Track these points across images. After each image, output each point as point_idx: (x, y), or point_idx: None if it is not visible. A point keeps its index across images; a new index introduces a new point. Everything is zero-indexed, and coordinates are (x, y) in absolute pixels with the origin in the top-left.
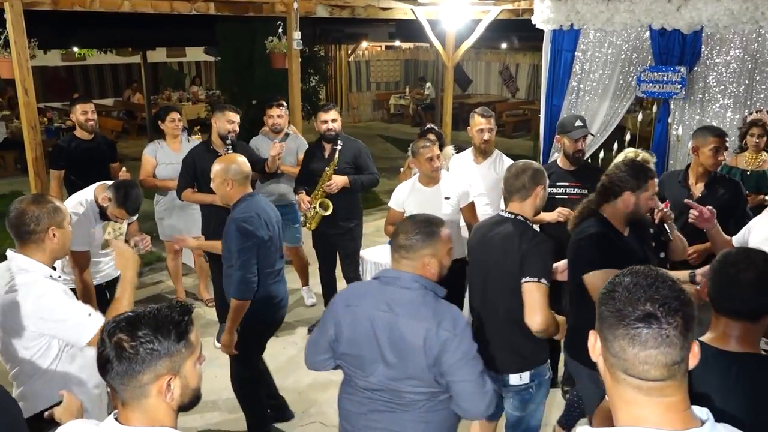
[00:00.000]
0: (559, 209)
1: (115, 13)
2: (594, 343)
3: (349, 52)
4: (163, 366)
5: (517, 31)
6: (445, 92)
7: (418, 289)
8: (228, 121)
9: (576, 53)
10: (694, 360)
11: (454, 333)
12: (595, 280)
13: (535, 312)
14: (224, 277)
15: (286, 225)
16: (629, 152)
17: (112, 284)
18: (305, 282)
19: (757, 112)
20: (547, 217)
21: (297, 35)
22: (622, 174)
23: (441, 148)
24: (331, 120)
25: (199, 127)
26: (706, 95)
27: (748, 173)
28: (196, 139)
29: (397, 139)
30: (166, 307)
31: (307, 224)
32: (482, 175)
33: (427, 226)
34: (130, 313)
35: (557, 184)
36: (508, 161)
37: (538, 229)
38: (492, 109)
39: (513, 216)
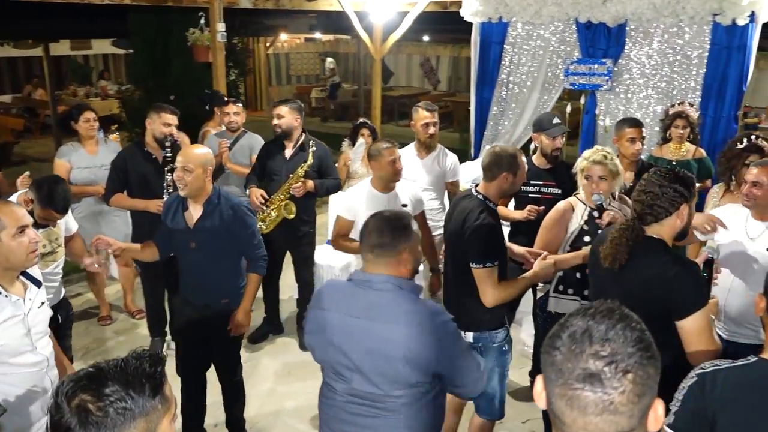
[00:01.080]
0: (529, 207)
1: (12, 2)
2: (540, 392)
3: (268, 44)
4: (137, 428)
5: (439, 23)
6: (373, 85)
7: (393, 290)
8: (164, 123)
9: (505, 46)
10: (655, 426)
11: (444, 332)
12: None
13: (486, 294)
14: (218, 272)
15: None
16: (592, 152)
17: (63, 306)
18: None
19: (679, 104)
20: (515, 214)
21: (221, 27)
22: (672, 187)
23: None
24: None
25: (116, 125)
26: (631, 87)
27: (674, 163)
28: (114, 140)
29: (321, 134)
30: (133, 358)
31: (264, 226)
32: (427, 170)
33: (399, 220)
34: (90, 369)
35: (531, 182)
36: (451, 155)
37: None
38: (415, 102)
39: (477, 194)
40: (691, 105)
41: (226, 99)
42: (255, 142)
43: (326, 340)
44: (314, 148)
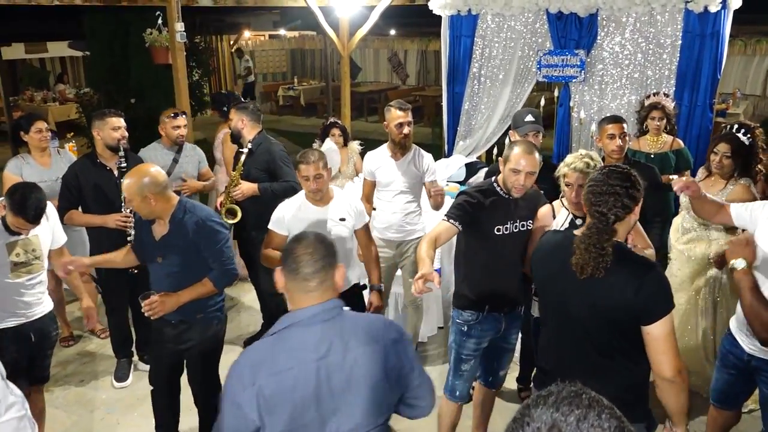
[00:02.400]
0: None
1: None
2: None
3: (232, 42)
4: None
5: (405, 17)
6: (342, 82)
7: (344, 312)
8: (113, 128)
9: (475, 39)
10: None
11: (401, 335)
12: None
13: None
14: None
15: None
16: (575, 158)
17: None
18: None
19: (654, 95)
20: None
21: (180, 27)
22: (628, 185)
23: (345, 143)
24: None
25: (72, 133)
26: (605, 77)
27: (652, 156)
28: (70, 150)
29: (291, 132)
30: None
31: None
32: (403, 172)
33: (324, 241)
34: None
35: None
36: (427, 156)
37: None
38: (384, 98)
39: (494, 178)
40: (667, 95)
41: (175, 112)
42: (200, 154)
43: (288, 407)
44: (245, 150)
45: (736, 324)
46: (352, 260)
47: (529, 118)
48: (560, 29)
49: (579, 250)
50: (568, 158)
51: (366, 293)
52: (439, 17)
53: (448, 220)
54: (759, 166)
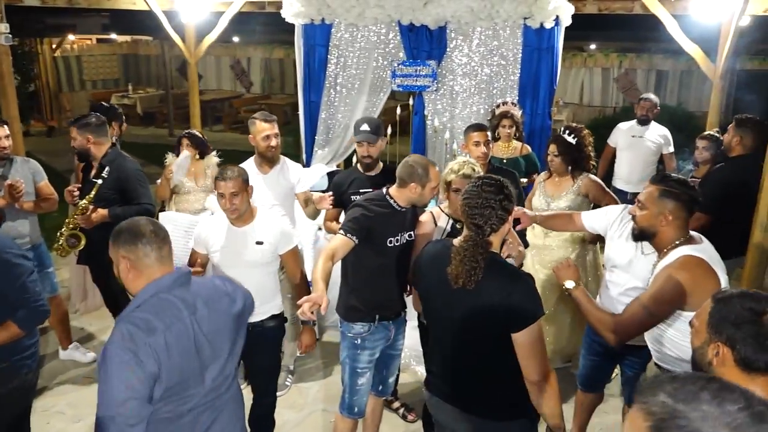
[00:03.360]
0: None
1: None
2: None
3: (54, 46)
4: None
5: (249, 24)
6: (190, 90)
7: (192, 277)
8: None
9: (330, 48)
10: None
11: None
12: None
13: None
14: None
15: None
16: (460, 164)
17: None
18: (69, 340)
19: (503, 104)
20: (334, 226)
21: (4, 28)
22: (502, 195)
23: (203, 155)
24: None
25: None
26: (455, 87)
27: (504, 161)
28: None
29: (131, 144)
30: None
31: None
32: (271, 186)
33: (155, 222)
34: None
35: (360, 191)
36: (294, 166)
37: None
38: (228, 106)
39: (386, 188)
40: (515, 104)
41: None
42: (35, 168)
43: (181, 356)
44: (106, 175)
45: None
46: (267, 290)
47: (364, 127)
48: (412, 40)
49: (455, 261)
50: (454, 165)
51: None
52: (288, 25)
53: (345, 235)
54: (591, 162)
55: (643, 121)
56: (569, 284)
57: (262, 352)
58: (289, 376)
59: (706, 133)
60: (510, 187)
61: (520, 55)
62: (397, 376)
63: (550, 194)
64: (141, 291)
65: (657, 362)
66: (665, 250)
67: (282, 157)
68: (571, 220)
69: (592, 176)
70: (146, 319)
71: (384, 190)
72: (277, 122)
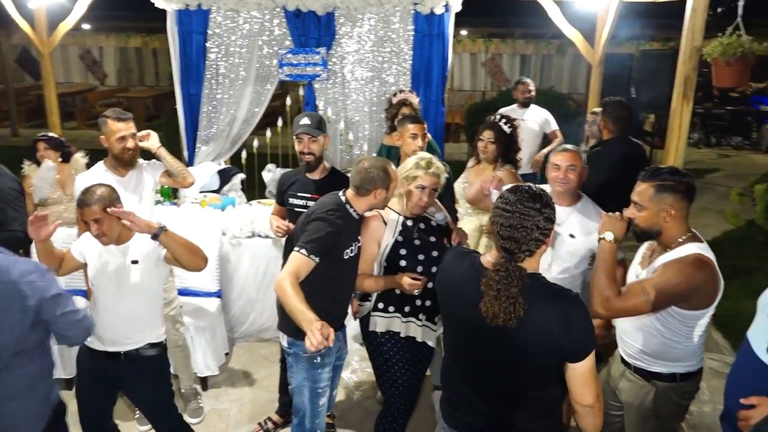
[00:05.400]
0: (278, 224)
1: None
2: None
3: None
4: None
5: (101, 9)
6: (45, 85)
7: None
8: None
9: (209, 36)
10: None
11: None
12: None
13: (282, 271)
14: None
15: None
16: (420, 159)
17: None
18: None
19: (401, 92)
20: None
21: None
22: (543, 214)
23: (66, 158)
24: None
25: None
26: (347, 75)
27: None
28: None
29: None
30: None
31: None
32: (131, 189)
33: None
34: None
35: (298, 194)
36: (156, 165)
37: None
38: (82, 101)
39: (342, 194)
40: (412, 92)
41: None
42: None
43: None
44: None
45: None
46: (143, 318)
47: (304, 121)
48: (299, 27)
49: (488, 296)
50: (422, 161)
51: None
52: (146, 11)
53: (308, 256)
54: (518, 155)
55: (525, 104)
56: (608, 236)
57: (142, 384)
58: (199, 398)
59: (595, 108)
60: (547, 195)
61: (412, 41)
62: None
63: (471, 182)
64: None
65: (622, 354)
66: (672, 246)
67: (141, 159)
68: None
69: (512, 168)
70: None
71: (342, 198)
72: (140, 118)
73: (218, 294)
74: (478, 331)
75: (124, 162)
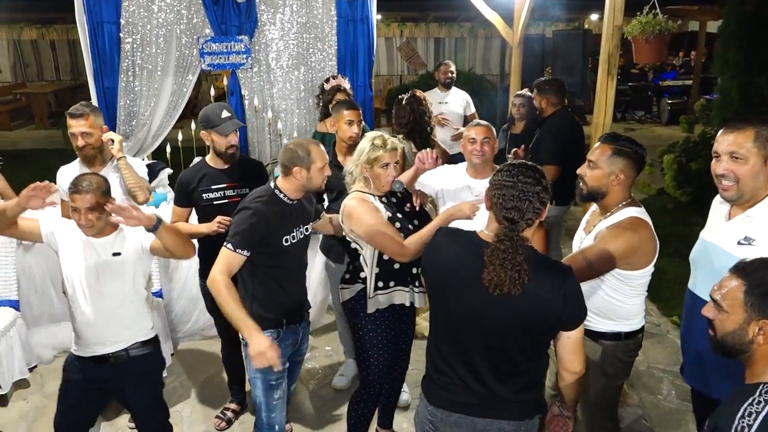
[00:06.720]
0: (219, 218)
1: None
2: None
3: None
4: None
5: None
6: None
7: None
8: None
9: (122, 25)
10: None
11: None
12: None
13: (213, 269)
14: None
15: None
16: (378, 137)
17: None
18: None
19: (333, 78)
20: (202, 228)
21: None
22: (542, 184)
23: None
24: None
25: None
26: (271, 63)
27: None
28: None
29: None
30: None
31: None
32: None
33: None
34: None
35: (212, 187)
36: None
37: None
38: None
39: (273, 183)
40: (344, 77)
41: None
42: None
43: None
44: None
45: None
46: (126, 315)
47: (225, 113)
48: (218, 15)
49: (492, 265)
50: (377, 140)
51: None
52: (49, 0)
53: (234, 250)
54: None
55: (447, 85)
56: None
57: (135, 390)
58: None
59: (520, 91)
60: (546, 177)
61: (335, 27)
62: None
63: None
64: None
65: None
66: (612, 210)
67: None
68: None
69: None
70: None
71: (271, 183)
72: (42, 114)
73: (159, 294)
74: (478, 305)
75: (86, 159)
